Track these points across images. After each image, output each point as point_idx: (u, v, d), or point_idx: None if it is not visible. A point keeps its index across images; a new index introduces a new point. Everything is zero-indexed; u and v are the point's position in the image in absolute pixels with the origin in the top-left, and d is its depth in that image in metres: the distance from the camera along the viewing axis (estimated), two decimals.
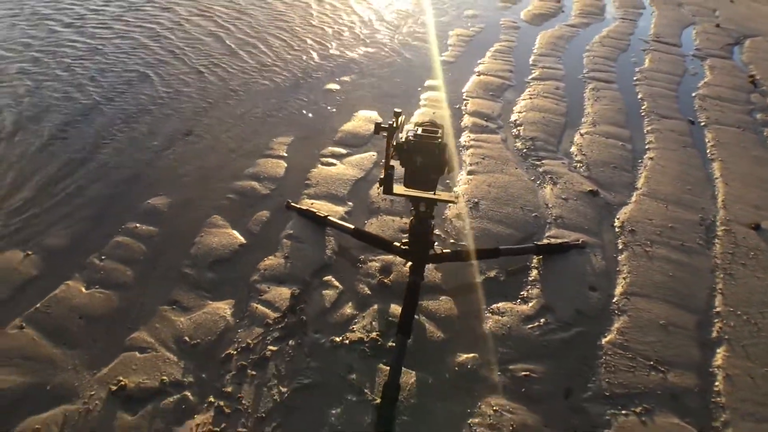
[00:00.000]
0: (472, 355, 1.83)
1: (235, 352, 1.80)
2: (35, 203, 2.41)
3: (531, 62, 4.06)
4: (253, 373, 1.74)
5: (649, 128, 3.28)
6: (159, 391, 1.68)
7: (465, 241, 2.30)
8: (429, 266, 2.12)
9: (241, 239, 2.27)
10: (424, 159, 1.68)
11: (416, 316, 1.92)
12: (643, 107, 3.53)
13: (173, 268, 2.11)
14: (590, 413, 1.70)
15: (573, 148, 3.01)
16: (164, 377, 1.72)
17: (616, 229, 2.43)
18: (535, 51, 4.27)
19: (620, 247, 2.34)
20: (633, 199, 2.65)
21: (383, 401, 1.64)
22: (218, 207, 2.44)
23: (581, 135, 3.14)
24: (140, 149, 2.82)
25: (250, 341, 1.83)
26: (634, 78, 3.92)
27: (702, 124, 3.39)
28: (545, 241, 2.32)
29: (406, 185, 1.76)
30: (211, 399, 1.67)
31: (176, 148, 2.85)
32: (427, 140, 1.69)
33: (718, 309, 2.08)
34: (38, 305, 1.93)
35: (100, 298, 1.97)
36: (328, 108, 3.30)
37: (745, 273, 2.25)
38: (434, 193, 1.78)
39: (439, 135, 1.71)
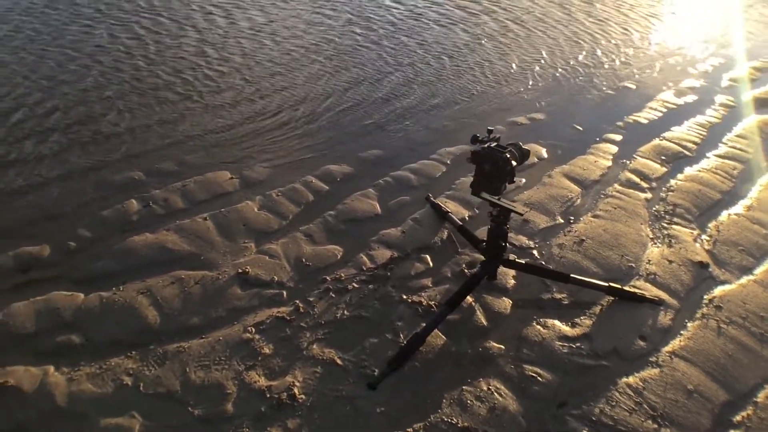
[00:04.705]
0: (497, 345, 2.13)
1: (329, 278, 2.40)
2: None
3: (724, 140, 3.89)
4: (333, 296, 2.32)
5: None
6: (267, 284, 2.37)
7: (552, 265, 2.56)
8: (506, 273, 2.47)
9: (378, 210, 2.89)
10: (491, 168, 2.08)
11: (474, 305, 2.30)
12: None
13: (321, 214, 2.81)
14: (569, 426, 1.88)
15: (711, 223, 2.95)
16: (275, 277, 2.40)
17: (704, 301, 2.42)
18: (735, 131, 4.05)
19: (696, 315, 2.34)
20: (741, 281, 2.56)
21: (406, 345, 2.07)
22: (376, 185, 3.11)
23: (729, 215, 3.04)
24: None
25: (343, 275, 2.42)
26: None
27: None
28: (623, 286, 2.40)
29: (474, 187, 2.16)
30: (297, 301, 2.28)
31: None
32: (496, 153, 2.07)
33: (759, 399, 2.02)
34: (222, 209, 2.79)
35: (263, 218, 2.76)
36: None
37: None
38: (501, 200, 2.15)
39: (507, 151, 2.08)
